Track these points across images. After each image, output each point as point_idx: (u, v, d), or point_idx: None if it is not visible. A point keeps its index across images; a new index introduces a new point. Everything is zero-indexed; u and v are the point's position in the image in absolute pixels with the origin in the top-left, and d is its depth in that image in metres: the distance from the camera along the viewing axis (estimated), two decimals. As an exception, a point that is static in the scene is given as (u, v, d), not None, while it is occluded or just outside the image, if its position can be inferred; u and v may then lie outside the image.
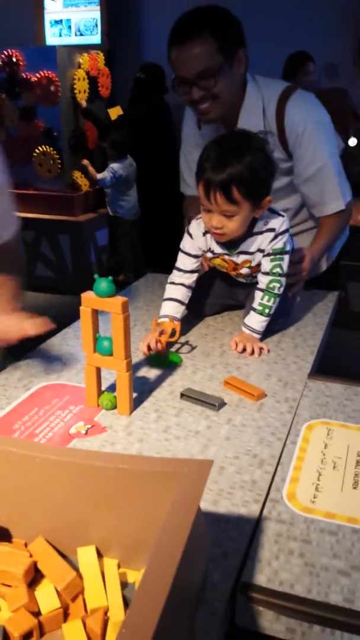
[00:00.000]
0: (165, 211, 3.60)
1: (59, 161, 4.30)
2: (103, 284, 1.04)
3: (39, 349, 1.38)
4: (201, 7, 1.46)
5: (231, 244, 1.38)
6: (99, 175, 3.96)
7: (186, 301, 1.45)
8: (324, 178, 1.58)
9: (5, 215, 1.34)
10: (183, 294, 1.44)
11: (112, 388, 1.15)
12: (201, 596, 0.69)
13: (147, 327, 1.50)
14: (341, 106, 3.68)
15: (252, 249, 1.37)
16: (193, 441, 1.03)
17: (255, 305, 1.40)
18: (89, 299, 1.06)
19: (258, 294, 1.40)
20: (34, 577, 0.69)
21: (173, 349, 1.37)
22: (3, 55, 4.17)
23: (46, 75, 4.17)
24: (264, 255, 1.37)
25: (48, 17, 4.89)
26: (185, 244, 1.43)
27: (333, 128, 1.61)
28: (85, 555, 0.70)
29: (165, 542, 0.55)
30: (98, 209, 4.33)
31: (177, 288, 1.43)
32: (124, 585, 0.69)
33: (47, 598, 0.65)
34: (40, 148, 4.32)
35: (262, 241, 1.36)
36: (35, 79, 4.20)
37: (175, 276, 1.45)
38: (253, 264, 1.40)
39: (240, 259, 1.39)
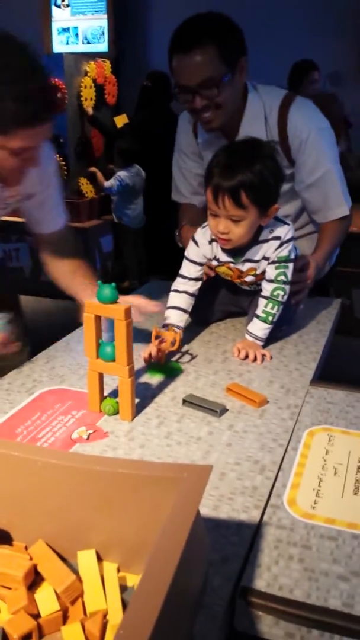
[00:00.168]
0: (170, 218, 3.61)
1: (65, 168, 4.33)
2: (106, 290, 1.05)
3: (43, 353, 1.39)
4: (203, 14, 1.45)
5: (237, 252, 1.38)
6: (107, 183, 3.98)
7: (189, 309, 1.46)
8: (328, 184, 1.59)
9: (59, 203, 1.42)
10: (187, 302, 1.44)
11: (114, 394, 1.16)
12: (200, 600, 0.70)
13: (150, 333, 1.50)
14: (332, 112, 3.69)
15: (257, 257, 1.38)
16: (194, 447, 1.04)
17: (259, 312, 1.40)
18: (92, 305, 1.07)
19: (262, 302, 1.41)
20: (34, 579, 0.70)
21: (175, 356, 1.38)
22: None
23: (53, 82, 4.20)
24: (268, 263, 1.38)
25: (55, 25, 4.94)
26: (191, 251, 1.44)
27: (334, 134, 1.62)
28: (85, 559, 0.70)
29: (164, 546, 0.56)
30: (103, 215, 4.35)
31: (180, 296, 1.44)
32: (124, 589, 0.70)
33: (46, 601, 0.66)
34: (46, 154, 4.35)
35: (267, 249, 1.37)
36: (42, 86, 4.23)
37: (179, 283, 1.45)
38: (258, 272, 1.40)
39: (245, 266, 1.40)
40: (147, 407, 1.17)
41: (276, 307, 1.39)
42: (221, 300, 1.59)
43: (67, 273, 1.42)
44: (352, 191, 1.67)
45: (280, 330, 1.49)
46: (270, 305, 1.39)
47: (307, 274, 1.53)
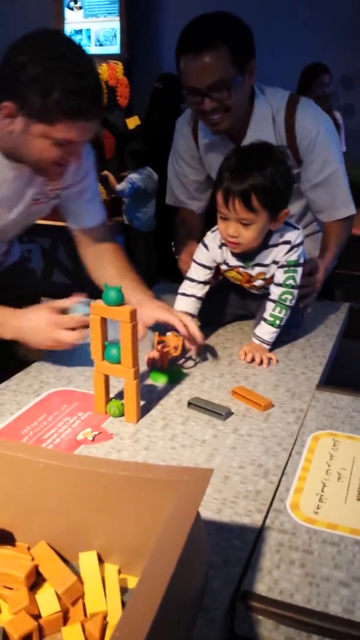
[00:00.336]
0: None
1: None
2: (112, 292, 1.05)
3: (50, 354, 1.40)
4: (213, 14, 1.43)
5: (246, 256, 1.38)
6: (118, 187, 3.97)
7: (196, 313, 1.46)
8: (335, 183, 1.60)
9: (97, 197, 1.46)
10: (194, 306, 1.45)
11: (120, 395, 1.17)
12: (200, 603, 0.70)
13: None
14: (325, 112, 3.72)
15: (267, 261, 1.38)
16: (199, 450, 1.04)
17: (266, 316, 1.40)
18: (98, 307, 1.07)
19: (270, 305, 1.40)
20: (36, 580, 0.70)
21: (182, 358, 1.38)
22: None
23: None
24: (278, 267, 1.38)
25: (68, 27, 4.96)
26: (200, 255, 1.44)
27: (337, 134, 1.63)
28: (87, 560, 0.71)
29: (162, 548, 0.56)
30: (113, 217, 4.36)
31: (188, 300, 1.44)
32: (124, 590, 0.70)
33: (47, 601, 0.66)
34: (58, 156, 4.37)
35: (277, 253, 1.36)
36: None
37: (187, 287, 1.46)
38: (267, 276, 1.40)
39: (255, 271, 1.40)
40: (153, 410, 1.17)
41: (284, 311, 1.39)
42: (229, 303, 1.59)
43: (114, 277, 1.41)
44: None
45: (288, 334, 1.49)
46: (278, 309, 1.39)
47: (316, 278, 1.53)
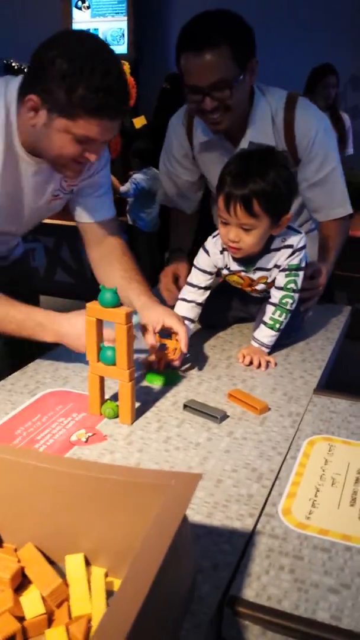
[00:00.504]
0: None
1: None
2: (107, 294, 1.05)
3: (47, 355, 1.39)
4: (215, 12, 1.41)
5: (248, 261, 1.37)
6: (122, 188, 3.96)
7: (196, 319, 1.46)
8: (333, 182, 1.59)
9: (108, 192, 1.47)
10: (194, 312, 1.44)
11: (115, 397, 1.16)
12: (187, 607, 0.70)
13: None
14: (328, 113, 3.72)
15: (269, 265, 1.37)
16: (193, 453, 1.04)
17: (266, 319, 1.40)
18: (93, 308, 1.07)
19: (270, 308, 1.40)
20: (22, 582, 0.70)
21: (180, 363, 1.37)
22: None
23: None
24: (279, 271, 1.37)
25: (76, 27, 4.97)
26: (200, 260, 1.43)
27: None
28: (73, 563, 0.70)
29: (146, 551, 0.56)
30: (119, 217, 4.37)
31: (188, 306, 1.44)
32: (111, 594, 0.70)
33: (32, 603, 0.66)
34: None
35: (279, 257, 1.36)
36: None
37: (187, 292, 1.45)
38: (269, 280, 1.39)
39: (256, 275, 1.39)
40: (148, 412, 1.17)
41: (284, 315, 1.38)
42: (230, 305, 1.59)
43: (120, 279, 1.42)
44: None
45: (288, 337, 1.48)
46: (278, 312, 1.38)
47: (318, 281, 1.52)
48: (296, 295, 1.38)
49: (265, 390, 1.27)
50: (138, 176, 3.91)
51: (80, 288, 4.21)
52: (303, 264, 1.37)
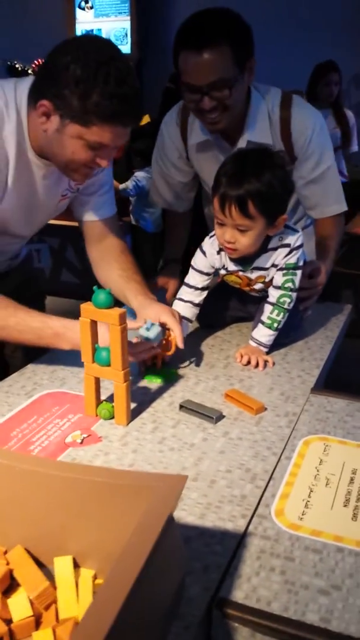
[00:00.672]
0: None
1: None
2: (101, 295, 1.05)
3: (46, 356, 1.40)
4: (214, 10, 1.39)
5: (246, 261, 1.37)
6: (122, 186, 3.96)
7: (193, 319, 1.46)
8: (329, 180, 1.59)
9: (110, 191, 1.48)
10: (191, 312, 1.44)
11: (111, 398, 1.16)
12: (175, 609, 0.70)
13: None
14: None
15: (266, 265, 1.36)
16: (187, 453, 1.03)
17: (264, 318, 1.39)
18: (87, 309, 1.07)
19: (267, 308, 1.39)
20: (11, 584, 0.70)
21: (178, 359, 1.37)
22: (34, 65, 4.26)
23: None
24: (277, 270, 1.37)
25: (79, 27, 4.98)
26: (197, 261, 1.43)
27: None
28: (61, 565, 0.70)
29: (128, 553, 0.56)
30: (122, 217, 4.37)
31: (185, 306, 1.44)
32: (99, 596, 0.70)
33: (19, 606, 0.66)
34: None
35: (276, 256, 1.35)
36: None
37: (184, 293, 1.45)
38: (267, 280, 1.39)
39: (254, 274, 1.38)
40: (144, 412, 1.17)
41: (282, 314, 1.38)
42: (229, 305, 1.58)
43: (119, 278, 1.43)
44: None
45: (287, 336, 1.48)
46: (276, 312, 1.38)
47: (317, 280, 1.51)
48: (294, 294, 1.38)
49: (262, 390, 1.26)
50: (140, 174, 3.90)
51: (85, 288, 4.20)
52: (301, 263, 1.37)
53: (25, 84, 1.21)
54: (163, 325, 1.29)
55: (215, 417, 1.13)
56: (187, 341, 1.34)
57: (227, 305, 1.58)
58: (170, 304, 1.44)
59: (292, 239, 1.34)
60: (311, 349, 1.48)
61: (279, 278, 1.37)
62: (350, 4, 4.26)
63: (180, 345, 1.29)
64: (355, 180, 3.71)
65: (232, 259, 1.38)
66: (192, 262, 1.44)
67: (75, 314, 1.15)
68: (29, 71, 4.56)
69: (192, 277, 1.44)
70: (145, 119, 4.42)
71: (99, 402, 1.15)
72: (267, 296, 1.41)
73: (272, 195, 1.24)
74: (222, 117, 1.44)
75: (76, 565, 0.72)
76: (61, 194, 1.38)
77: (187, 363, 1.37)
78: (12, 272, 1.55)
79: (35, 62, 4.27)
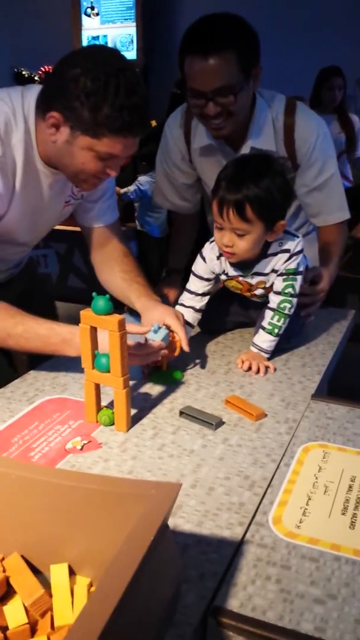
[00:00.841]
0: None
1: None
2: (100, 301, 1.05)
3: (48, 362, 1.40)
4: (221, 15, 1.38)
5: (245, 266, 1.37)
6: (123, 190, 3.96)
7: (195, 323, 1.46)
8: (332, 187, 1.59)
9: (112, 197, 1.49)
10: (192, 316, 1.45)
11: (112, 404, 1.16)
12: (169, 618, 0.70)
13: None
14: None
15: (266, 270, 1.36)
16: (186, 460, 1.04)
17: (265, 324, 1.39)
18: (87, 316, 1.08)
19: (268, 313, 1.39)
20: (7, 591, 0.71)
21: (179, 365, 1.37)
22: (40, 72, 4.29)
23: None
24: (277, 275, 1.37)
25: (85, 34, 5.01)
26: (198, 267, 1.43)
27: None
28: (57, 573, 0.71)
29: (119, 561, 0.56)
30: (128, 222, 4.38)
31: (186, 311, 1.44)
32: (94, 604, 0.70)
33: (14, 613, 0.66)
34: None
35: (276, 262, 1.35)
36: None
37: (185, 298, 1.45)
38: (268, 285, 1.39)
39: (254, 280, 1.39)
40: (144, 418, 1.17)
41: (282, 320, 1.38)
42: (231, 310, 1.58)
43: (121, 281, 1.45)
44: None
45: (288, 342, 1.48)
46: (277, 317, 1.38)
47: (320, 287, 1.50)
48: (294, 300, 1.38)
49: (263, 396, 1.26)
50: (142, 178, 3.89)
51: (92, 293, 4.22)
52: (301, 268, 1.37)
53: (33, 92, 1.22)
54: (167, 328, 1.30)
55: (215, 423, 1.13)
56: (189, 346, 1.34)
57: (229, 311, 1.58)
58: None
59: (292, 245, 1.34)
60: (313, 354, 1.48)
61: (279, 283, 1.37)
62: (355, 8, 4.27)
63: (186, 348, 1.30)
64: (360, 186, 3.71)
65: (232, 264, 1.38)
66: (193, 268, 1.44)
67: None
68: (36, 78, 4.60)
69: (192, 283, 1.44)
70: (152, 124, 4.43)
71: (99, 408, 1.15)
72: (269, 302, 1.42)
73: (270, 201, 1.25)
74: (226, 123, 1.44)
75: (73, 573, 0.72)
76: (65, 200, 1.39)
77: (188, 369, 1.38)
78: (15, 280, 1.56)
79: (42, 68, 4.30)
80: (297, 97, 1.77)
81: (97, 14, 4.96)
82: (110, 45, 4.98)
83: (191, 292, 1.44)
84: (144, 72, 4.73)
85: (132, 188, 3.91)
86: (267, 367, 1.38)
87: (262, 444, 1.09)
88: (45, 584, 0.71)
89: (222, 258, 1.38)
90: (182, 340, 1.30)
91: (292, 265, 1.35)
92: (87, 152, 1.16)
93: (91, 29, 4.99)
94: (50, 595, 0.69)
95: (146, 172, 3.96)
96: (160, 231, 4.06)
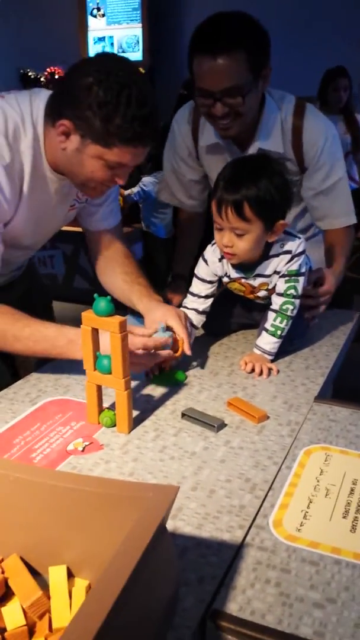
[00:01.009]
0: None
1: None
2: (102, 303, 1.05)
3: (51, 363, 1.40)
4: (232, 15, 1.36)
5: (247, 268, 1.37)
6: (127, 191, 3.96)
7: (199, 325, 1.46)
8: (339, 191, 1.58)
9: (115, 200, 1.50)
10: (196, 318, 1.45)
11: (114, 405, 1.16)
12: (167, 620, 0.69)
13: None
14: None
15: (268, 272, 1.36)
16: (187, 462, 1.03)
17: (268, 326, 1.39)
18: (88, 317, 1.08)
19: (271, 315, 1.39)
20: (6, 593, 0.71)
21: (182, 367, 1.37)
22: (46, 73, 4.30)
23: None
24: (279, 277, 1.37)
25: (91, 35, 5.02)
26: (200, 270, 1.43)
27: None
28: (56, 575, 0.71)
29: (115, 564, 0.56)
30: (134, 223, 4.38)
31: (190, 313, 1.44)
32: (92, 606, 0.70)
33: (12, 615, 0.66)
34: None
35: (278, 263, 1.35)
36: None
37: (189, 301, 1.45)
38: (270, 287, 1.39)
39: (257, 282, 1.38)
40: (147, 420, 1.17)
41: (285, 321, 1.38)
42: (235, 312, 1.58)
43: (123, 282, 1.46)
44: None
45: (291, 344, 1.47)
46: (279, 319, 1.38)
47: (324, 289, 1.49)
48: (297, 301, 1.37)
49: (266, 398, 1.26)
50: (146, 179, 3.89)
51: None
52: (303, 270, 1.36)
53: (41, 98, 1.22)
54: (170, 328, 1.30)
55: (217, 425, 1.13)
56: (193, 348, 1.35)
57: (232, 313, 1.58)
58: None
59: (294, 246, 1.34)
60: (317, 356, 1.47)
61: (281, 285, 1.37)
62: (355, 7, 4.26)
63: (187, 351, 1.30)
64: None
65: (233, 267, 1.38)
66: (195, 271, 1.44)
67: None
68: (42, 79, 4.61)
69: (195, 286, 1.44)
70: (158, 125, 4.43)
71: (101, 409, 1.15)
72: (271, 304, 1.41)
73: (268, 200, 1.24)
74: (234, 123, 1.43)
75: (71, 575, 0.72)
76: (70, 204, 1.40)
77: (191, 370, 1.37)
78: (17, 282, 1.56)
79: (48, 69, 4.31)
80: (306, 97, 1.77)
81: (103, 15, 4.97)
82: (116, 46, 4.99)
83: (194, 295, 1.44)
84: (149, 73, 4.74)
85: (135, 189, 3.91)
86: (270, 369, 1.37)
87: (264, 446, 1.09)
88: (44, 585, 0.71)
89: (224, 260, 1.38)
90: (184, 342, 1.30)
91: (294, 266, 1.35)
92: (96, 160, 1.16)
93: (97, 30, 5.00)
94: (49, 597, 0.69)
95: (150, 173, 3.96)
96: (166, 232, 4.06)
